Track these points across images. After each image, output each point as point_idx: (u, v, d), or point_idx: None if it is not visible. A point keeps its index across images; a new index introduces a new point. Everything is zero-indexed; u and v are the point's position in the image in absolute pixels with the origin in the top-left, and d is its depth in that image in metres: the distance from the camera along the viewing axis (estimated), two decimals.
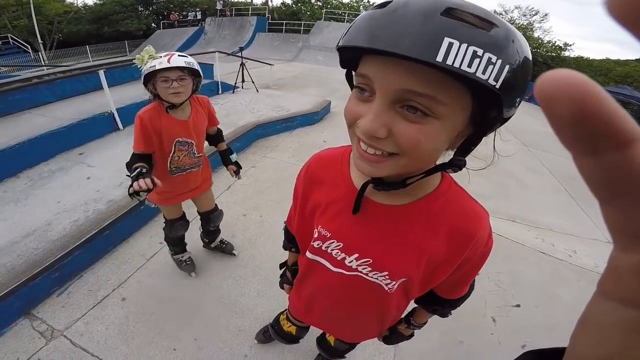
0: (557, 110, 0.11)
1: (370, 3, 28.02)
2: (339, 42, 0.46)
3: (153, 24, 24.87)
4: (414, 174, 0.53)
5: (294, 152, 4.22)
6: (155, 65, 1.38)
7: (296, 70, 10.87)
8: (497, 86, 0.37)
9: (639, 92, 13.08)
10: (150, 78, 1.45)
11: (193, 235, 2.56)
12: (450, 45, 0.36)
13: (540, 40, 22.65)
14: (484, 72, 0.37)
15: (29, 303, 1.91)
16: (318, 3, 26.84)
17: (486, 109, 0.43)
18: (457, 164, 0.48)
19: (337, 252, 0.69)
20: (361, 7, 26.62)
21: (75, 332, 1.80)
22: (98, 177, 2.88)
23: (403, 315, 0.96)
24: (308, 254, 0.77)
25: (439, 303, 0.81)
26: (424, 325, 0.97)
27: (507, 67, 0.37)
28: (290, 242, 0.99)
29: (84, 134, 3.54)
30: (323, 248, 0.71)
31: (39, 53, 17.62)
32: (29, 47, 17.43)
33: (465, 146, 0.48)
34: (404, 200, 0.61)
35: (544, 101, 0.11)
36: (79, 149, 3.41)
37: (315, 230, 0.72)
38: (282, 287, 1.14)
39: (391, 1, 0.41)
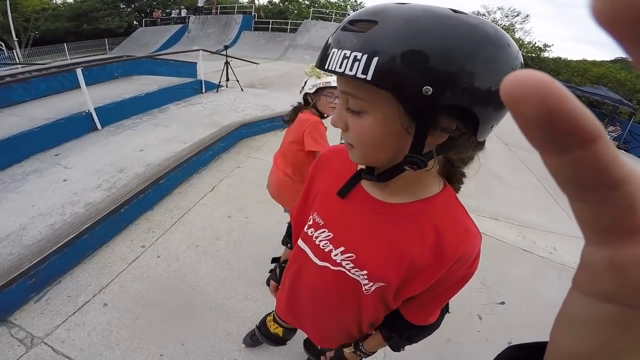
0: (524, 110, 0.11)
1: (358, 3, 28.21)
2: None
3: (135, 22, 24.30)
4: (381, 167, 0.58)
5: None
6: (330, 82, 1.56)
7: (282, 69, 10.79)
8: (369, 78, 0.43)
9: (614, 92, 13.58)
10: (319, 91, 1.61)
11: (180, 241, 2.51)
12: (333, 54, 0.46)
13: (521, 41, 23.26)
14: (350, 69, 0.44)
15: (6, 310, 1.83)
16: (306, 2, 26.84)
17: (406, 100, 0.44)
18: (409, 160, 0.49)
19: (326, 244, 0.70)
20: (348, 7, 26.73)
21: (57, 339, 1.74)
22: (75, 179, 2.78)
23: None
24: (299, 242, 0.77)
25: (400, 328, 0.77)
26: (372, 354, 0.87)
27: (375, 59, 0.42)
28: (289, 237, 0.98)
29: (59, 134, 3.43)
30: (313, 237, 0.72)
31: (14, 51, 16.99)
32: (2, 44, 16.78)
33: (415, 141, 0.48)
34: (396, 200, 0.62)
35: (510, 102, 0.11)
36: (54, 150, 3.29)
37: (310, 217, 0.73)
38: (267, 284, 1.13)
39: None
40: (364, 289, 0.68)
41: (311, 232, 0.72)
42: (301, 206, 0.81)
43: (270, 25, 17.64)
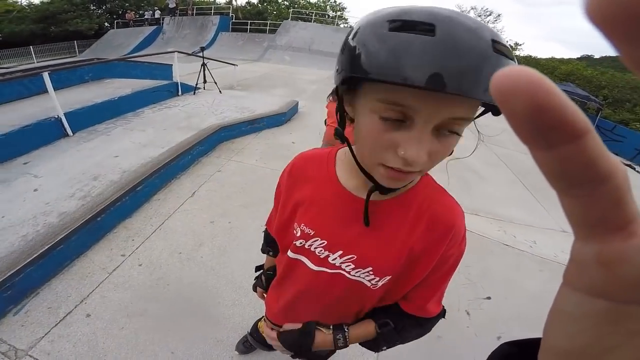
0: (513, 105, 0.11)
1: (337, 3, 28.33)
2: (360, 68, 0.41)
3: (106, 24, 23.46)
4: None
5: (261, 154, 4.13)
6: None
7: (262, 71, 10.70)
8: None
9: (581, 88, 14.21)
10: None
11: (162, 249, 2.44)
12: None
13: None
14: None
15: None
16: (285, 3, 26.70)
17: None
18: None
19: (321, 250, 0.69)
20: (328, 7, 26.81)
21: (42, 351, 1.68)
22: (47, 189, 2.65)
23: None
24: (290, 253, 0.76)
25: (396, 316, 0.74)
26: (347, 344, 0.77)
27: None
28: (268, 245, 0.96)
29: (27, 141, 3.26)
30: (306, 246, 0.71)
31: None
32: None
33: None
34: (386, 196, 0.62)
35: (500, 97, 0.11)
36: (22, 159, 3.12)
37: (297, 228, 0.71)
38: (254, 290, 1.11)
39: (433, 26, 0.38)
40: (369, 285, 0.68)
41: (301, 243, 0.71)
42: (281, 220, 0.79)
43: (248, 26, 17.46)
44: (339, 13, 26.23)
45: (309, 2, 27.22)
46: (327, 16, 22.88)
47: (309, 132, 5.08)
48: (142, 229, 2.61)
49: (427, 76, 0.37)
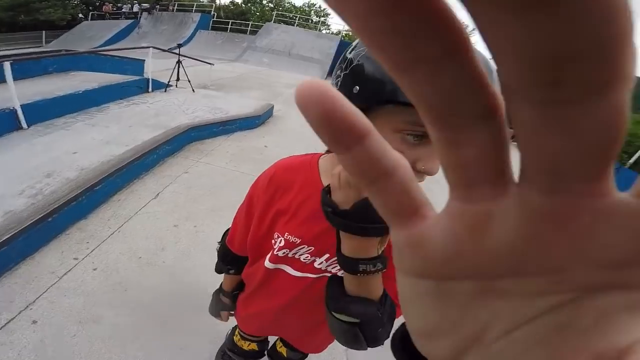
0: (309, 113, 0.12)
1: (322, 9, 28.55)
2: (387, 94, 0.48)
3: (80, 15, 22.43)
4: None
5: (232, 157, 4.04)
6: None
7: (238, 71, 10.53)
8: None
9: None
10: None
11: (120, 253, 2.32)
12: None
13: None
14: None
15: None
16: (270, 5, 26.58)
17: None
18: None
19: (307, 257, 0.70)
20: (312, 12, 26.94)
21: None
22: None
23: None
24: (268, 264, 0.74)
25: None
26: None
27: None
28: (229, 263, 0.93)
29: None
30: (290, 255, 0.70)
31: None
32: None
33: None
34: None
35: (300, 107, 0.12)
36: None
37: (280, 238, 0.70)
38: (214, 314, 1.06)
39: None
40: None
41: (284, 253, 0.71)
42: (258, 233, 0.77)
43: (229, 26, 17.25)
44: (322, 19, 26.46)
45: (294, 6, 27.29)
46: (310, 21, 23.00)
47: (283, 137, 5.04)
48: (98, 231, 2.47)
49: None
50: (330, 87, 0.12)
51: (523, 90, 0.09)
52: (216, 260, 0.98)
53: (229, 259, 0.92)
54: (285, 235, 0.69)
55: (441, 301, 0.14)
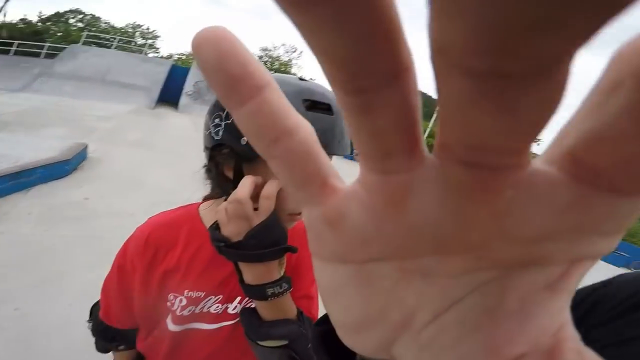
0: (202, 54, 0.11)
1: (149, 30, 25.94)
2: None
3: None
4: None
5: (39, 218, 3.08)
6: None
7: (28, 104, 8.03)
8: None
9: None
10: None
11: None
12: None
13: (294, 75, 27.48)
14: None
15: None
16: (79, 24, 22.26)
17: None
18: None
19: (217, 307, 0.67)
20: (137, 34, 24.19)
21: None
22: None
23: None
24: (173, 327, 0.68)
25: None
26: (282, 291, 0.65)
27: None
28: (113, 339, 0.81)
29: None
30: (197, 311, 0.66)
31: None
32: None
33: None
34: None
35: (195, 51, 0.11)
36: None
37: (179, 297, 0.66)
38: None
39: (329, 105, 0.53)
40: None
41: (190, 310, 0.66)
42: (147, 301, 0.70)
43: (14, 47, 13.58)
44: (150, 41, 24.21)
45: (112, 27, 23.95)
46: (133, 43, 20.66)
47: (108, 184, 4.20)
48: None
49: (348, 145, 0.51)
50: (229, 31, 0.11)
51: (460, 57, 0.07)
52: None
53: (111, 334, 0.80)
54: (185, 293, 0.66)
55: (365, 288, 0.13)
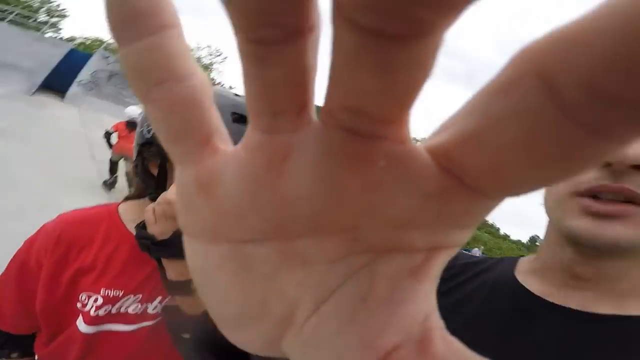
0: None
1: (59, 7, 22.19)
2: None
3: None
4: None
5: None
6: None
7: None
8: None
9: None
10: None
11: None
12: None
13: (213, 81, 25.76)
14: None
15: None
16: None
17: None
18: None
19: (137, 306, 0.66)
20: (42, 11, 20.66)
21: None
22: None
23: None
24: (85, 329, 0.65)
25: None
26: None
27: None
28: (5, 345, 0.75)
29: None
30: (114, 312, 0.65)
31: None
32: None
33: None
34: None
35: None
36: None
37: (95, 296, 0.65)
38: None
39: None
40: None
41: (106, 310, 0.65)
42: (52, 300, 0.67)
43: None
44: (55, 19, 20.91)
45: None
46: (33, 20, 17.54)
47: None
48: None
49: None
50: None
51: (351, 11, 0.07)
52: None
53: (3, 340, 0.75)
54: (102, 291, 0.65)
55: (242, 275, 0.12)
